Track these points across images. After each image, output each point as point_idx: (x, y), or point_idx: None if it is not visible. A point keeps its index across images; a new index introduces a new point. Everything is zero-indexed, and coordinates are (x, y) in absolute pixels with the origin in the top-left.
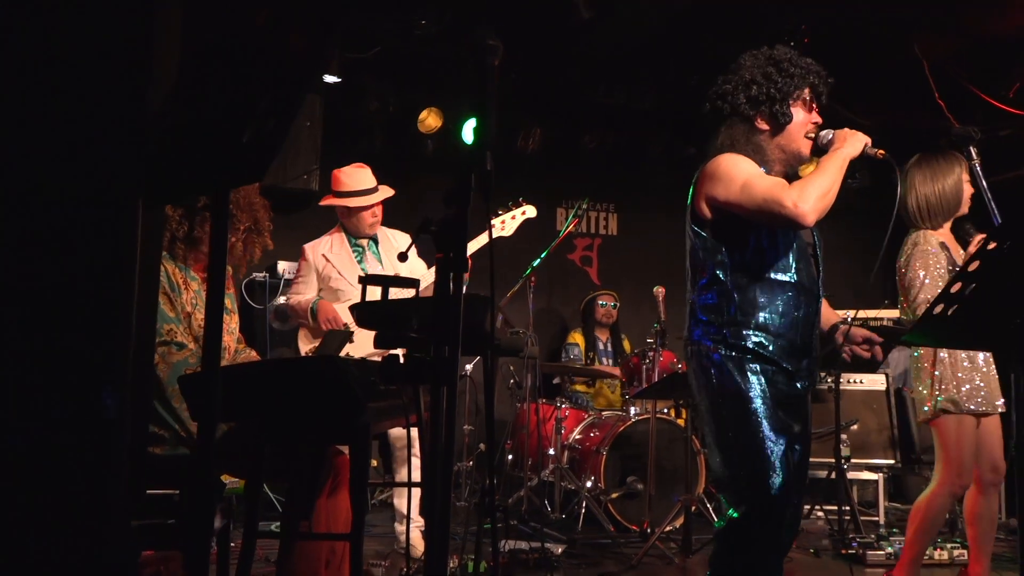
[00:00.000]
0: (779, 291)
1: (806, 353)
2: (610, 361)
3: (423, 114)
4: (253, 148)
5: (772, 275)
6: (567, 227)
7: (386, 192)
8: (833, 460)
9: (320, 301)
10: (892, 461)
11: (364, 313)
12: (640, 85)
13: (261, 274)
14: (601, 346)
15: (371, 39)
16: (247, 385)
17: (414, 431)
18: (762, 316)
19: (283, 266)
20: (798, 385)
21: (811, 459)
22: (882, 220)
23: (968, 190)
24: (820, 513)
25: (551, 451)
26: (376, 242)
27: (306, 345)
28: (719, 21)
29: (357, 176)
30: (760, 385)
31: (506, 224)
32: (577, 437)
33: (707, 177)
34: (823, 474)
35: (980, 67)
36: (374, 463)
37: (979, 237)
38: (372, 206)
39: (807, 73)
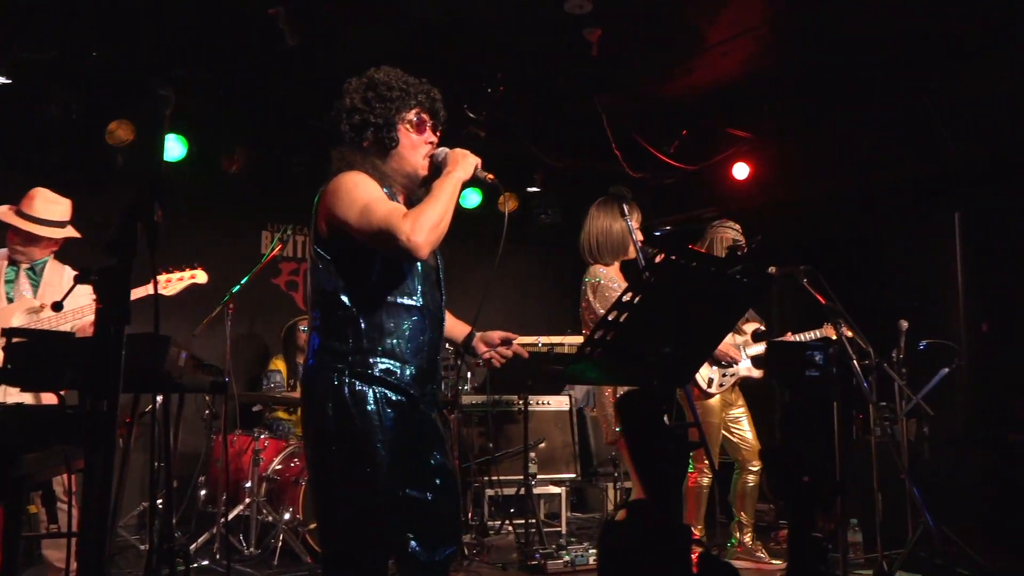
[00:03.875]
0: (405, 315)
1: (431, 378)
2: None
3: (112, 125)
4: None
5: (398, 299)
6: (270, 252)
7: (71, 233)
8: (522, 477)
9: None
10: (574, 475)
11: (15, 355)
12: None
13: None
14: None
15: (48, 43)
16: None
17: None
18: (389, 342)
19: None
20: (424, 411)
21: (504, 477)
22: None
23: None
24: (510, 528)
25: (248, 484)
26: (42, 268)
27: None
28: (428, 63)
29: (54, 208)
30: (381, 424)
31: (171, 283)
32: (276, 468)
33: (328, 195)
34: (512, 491)
35: (650, 124)
36: (33, 509)
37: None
38: (54, 240)
39: (408, 95)
